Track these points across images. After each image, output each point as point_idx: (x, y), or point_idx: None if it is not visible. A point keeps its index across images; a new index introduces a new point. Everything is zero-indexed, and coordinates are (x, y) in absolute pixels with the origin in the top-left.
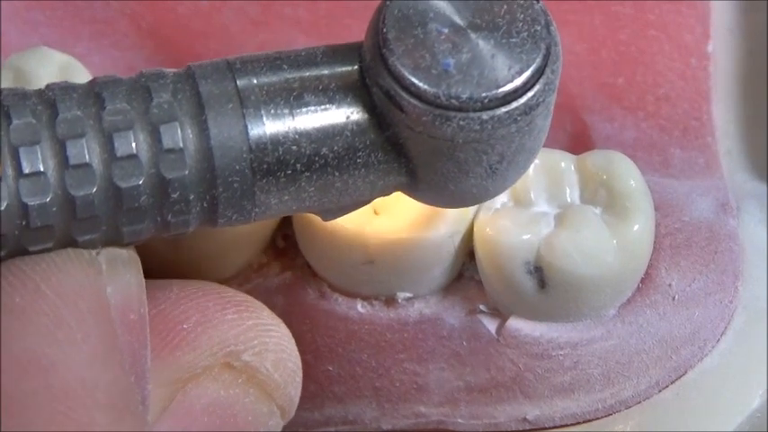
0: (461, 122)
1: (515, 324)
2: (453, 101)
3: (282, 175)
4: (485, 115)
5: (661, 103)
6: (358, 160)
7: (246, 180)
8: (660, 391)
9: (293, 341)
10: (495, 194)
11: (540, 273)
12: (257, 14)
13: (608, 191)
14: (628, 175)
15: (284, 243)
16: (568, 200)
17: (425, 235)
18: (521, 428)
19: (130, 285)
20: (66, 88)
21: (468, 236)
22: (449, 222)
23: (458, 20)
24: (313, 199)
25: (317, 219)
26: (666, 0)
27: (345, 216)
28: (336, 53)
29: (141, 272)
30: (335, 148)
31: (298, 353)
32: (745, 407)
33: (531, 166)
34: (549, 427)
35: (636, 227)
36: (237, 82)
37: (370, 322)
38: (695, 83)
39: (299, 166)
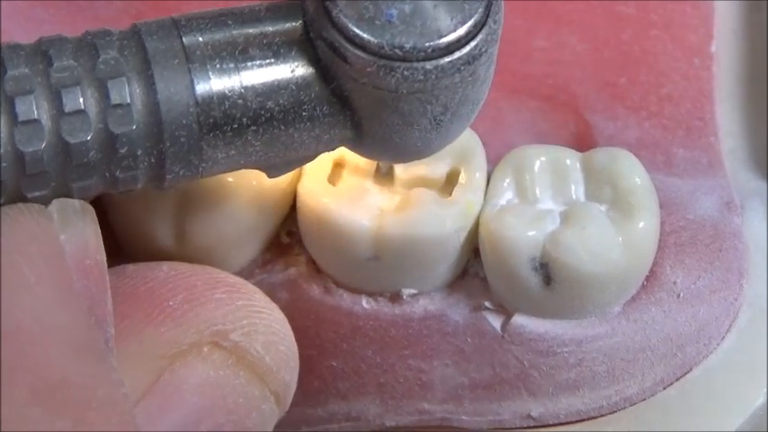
0: (405, 72)
1: (520, 321)
2: (397, 51)
3: (229, 129)
4: (428, 65)
5: (664, 103)
6: (303, 113)
7: (193, 134)
8: (665, 388)
9: (288, 326)
10: (439, 148)
11: (545, 269)
12: None
13: (613, 188)
14: (633, 172)
15: (289, 239)
16: (574, 197)
17: (430, 231)
18: (525, 425)
19: (84, 233)
20: (14, 47)
21: (474, 232)
22: (454, 218)
23: None
24: (259, 153)
25: (322, 215)
26: (670, 0)
27: (350, 212)
28: (280, 8)
29: (96, 220)
30: (281, 101)
31: (293, 338)
32: (749, 404)
33: (537, 163)
34: (554, 425)
35: (641, 224)
36: (183, 38)
37: (374, 318)
38: (698, 83)
39: (245, 120)
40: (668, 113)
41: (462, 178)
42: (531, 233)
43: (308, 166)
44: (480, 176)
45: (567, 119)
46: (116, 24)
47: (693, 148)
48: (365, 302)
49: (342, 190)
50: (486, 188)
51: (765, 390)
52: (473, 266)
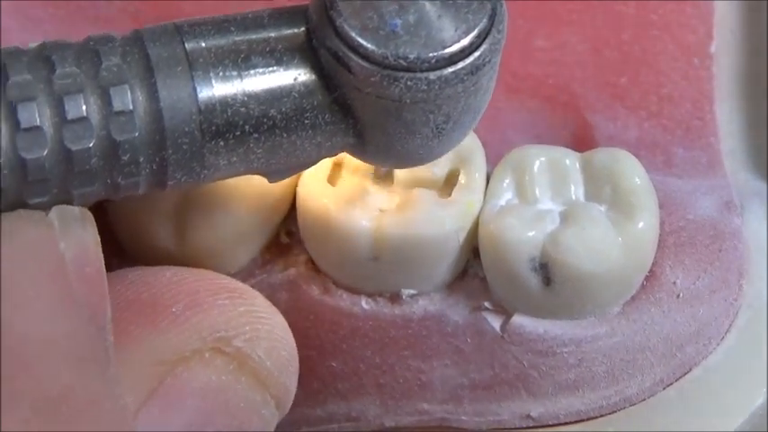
0: (409, 83)
1: (520, 321)
2: (401, 61)
3: (231, 136)
4: (432, 75)
5: (664, 103)
6: (305, 121)
7: (196, 142)
8: (664, 388)
9: (288, 330)
10: (440, 155)
11: (545, 269)
12: None
13: (613, 188)
14: (633, 172)
15: (288, 239)
16: (573, 197)
17: (430, 231)
18: (524, 426)
19: (84, 240)
20: (16, 52)
21: (473, 232)
22: (454, 219)
23: None
24: (261, 160)
25: (321, 215)
26: (670, 0)
27: (350, 212)
28: (283, 15)
29: (95, 227)
30: (283, 109)
31: (294, 342)
32: (748, 404)
33: (537, 163)
34: (553, 425)
35: (641, 224)
36: (186, 45)
37: (374, 319)
38: (698, 83)
39: (247, 127)
40: (668, 113)
41: (462, 179)
42: (530, 233)
43: None
44: (480, 177)
45: (567, 119)
46: (116, 24)
47: (693, 148)
48: (365, 303)
49: (341, 190)
50: (486, 188)
51: (765, 390)
52: (473, 267)
